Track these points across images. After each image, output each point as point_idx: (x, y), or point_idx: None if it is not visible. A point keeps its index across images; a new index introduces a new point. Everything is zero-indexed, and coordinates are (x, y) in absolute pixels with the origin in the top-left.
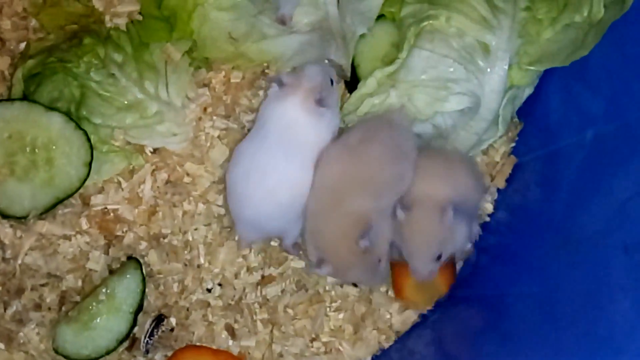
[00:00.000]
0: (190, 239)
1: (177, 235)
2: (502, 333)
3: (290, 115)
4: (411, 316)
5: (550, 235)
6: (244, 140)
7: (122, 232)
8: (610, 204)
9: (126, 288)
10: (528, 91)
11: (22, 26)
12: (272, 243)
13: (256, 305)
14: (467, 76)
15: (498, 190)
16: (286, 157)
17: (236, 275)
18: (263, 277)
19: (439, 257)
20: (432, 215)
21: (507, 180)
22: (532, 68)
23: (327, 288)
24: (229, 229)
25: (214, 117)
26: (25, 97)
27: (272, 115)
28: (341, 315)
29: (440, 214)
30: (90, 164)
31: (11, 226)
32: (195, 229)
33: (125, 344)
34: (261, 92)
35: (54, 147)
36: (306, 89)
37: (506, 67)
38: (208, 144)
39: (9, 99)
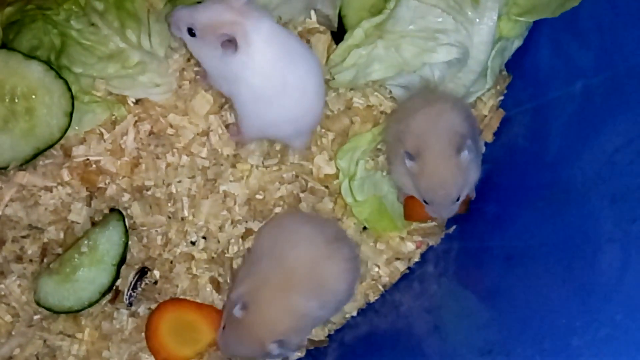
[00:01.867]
0: (174, 191)
1: (160, 187)
2: (488, 287)
3: None
4: (399, 268)
5: (539, 188)
6: None
7: (105, 183)
8: (598, 156)
9: (108, 240)
10: (517, 43)
11: None
12: (257, 196)
13: (240, 258)
14: (455, 27)
15: (486, 144)
16: None
17: (220, 228)
18: (247, 229)
19: (458, 199)
20: (446, 156)
21: (494, 134)
22: (521, 19)
23: None
24: (214, 182)
25: (197, 68)
26: (4, 45)
27: None
28: None
29: (454, 153)
30: (71, 114)
31: None
32: (179, 182)
33: (108, 296)
34: None
35: (33, 97)
36: None
37: (495, 17)
38: (191, 95)
39: None
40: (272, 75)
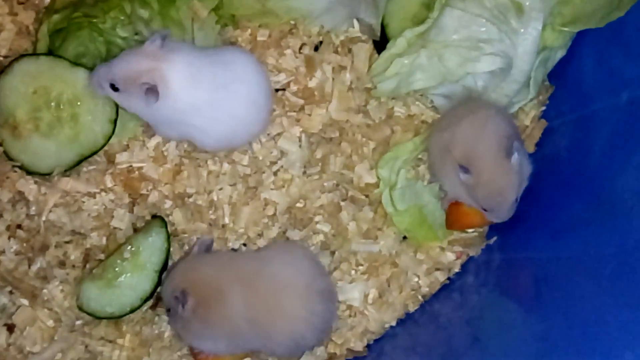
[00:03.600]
0: (215, 198)
1: (201, 194)
2: (530, 299)
3: None
4: (439, 278)
5: (583, 199)
6: None
7: (147, 190)
8: None
9: (151, 246)
10: (561, 53)
11: None
12: (298, 204)
13: None
14: (499, 36)
15: (528, 154)
16: None
17: (260, 235)
18: (287, 238)
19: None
20: (498, 163)
21: (537, 145)
22: (565, 29)
23: (351, 250)
24: (255, 189)
25: None
26: (51, 52)
27: None
28: (366, 278)
29: (506, 157)
30: (115, 121)
31: (35, 183)
32: (220, 189)
33: (150, 302)
34: (287, 51)
35: (79, 104)
36: None
37: (540, 27)
38: None
39: (34, 54)
40: (207, 103)
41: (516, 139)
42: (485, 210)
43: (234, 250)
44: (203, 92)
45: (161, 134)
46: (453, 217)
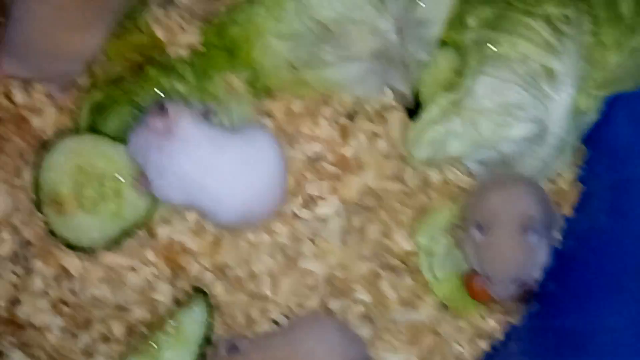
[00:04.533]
0: (255, 269)
1: (241, 266)
2: None
3: None
4: (481, 346)
5: (623, 265)
6: None
7: (188, 263)
8: None
9: (193, 320)
10: (594, 117)
11: None
12: (337, 274)
13: None
14: (532, 102)
15: (565, 218)
16: None
17: (301, 306)
18: (327, 308)
19: (520, 282)
20: (513, 235)
21: (574, 208)
22: (598, 93)
23: (392, 319)
24: (294, 260)
25: None
26: (92, 129)
27: None
28: (409, 348)
29: (522, 233)
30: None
31: (79, 258)
32: (260, 260)
33: None
34: (322, 121)
35: (121, 179)
36: None
37: (572, 92)
38: None
39: (77, 132)
40: (224, 172)
41: (543, 223)
42: (488, 278)
43: (275, 322)
44: (220, 160)
45: (167, 198)
46: (468, 286)
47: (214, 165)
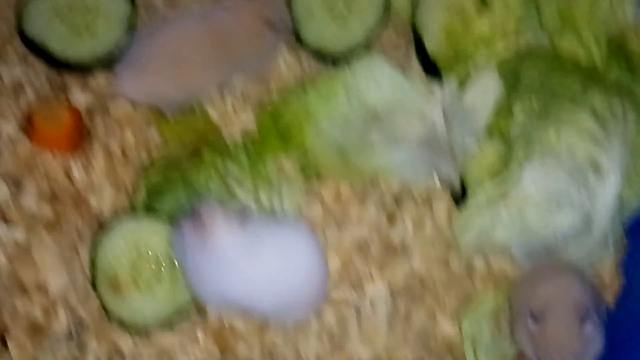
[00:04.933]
0: (302, 352)
1: (288, 348)
2: None
3: None
4: None
5: None
6: None
7: (236, 343)
8: None
9: None
10: (636, 204)
11: (144, 140)
12: (383, 358)
13: None
14: (578, 193)
15: (608, 311)
16: None
17: None
18: None
19: None
20: (570, 324)
21: (617, 299)
22: None
23: None
24: (340, 343)
25: (325, 229)
26: (148, 209)
27: None
28: None
29: (578, 323)
30: None
31: (131, 337)
32: (306, 342)
33: None
34: (370, 204)
35: (176, 261)
36: None
37: (617, 183)
38: None
39: (133, 211)
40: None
41: (596, 312)
42: None
43: None
44: (253, 265)
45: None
46: None
47: (248, 270)
